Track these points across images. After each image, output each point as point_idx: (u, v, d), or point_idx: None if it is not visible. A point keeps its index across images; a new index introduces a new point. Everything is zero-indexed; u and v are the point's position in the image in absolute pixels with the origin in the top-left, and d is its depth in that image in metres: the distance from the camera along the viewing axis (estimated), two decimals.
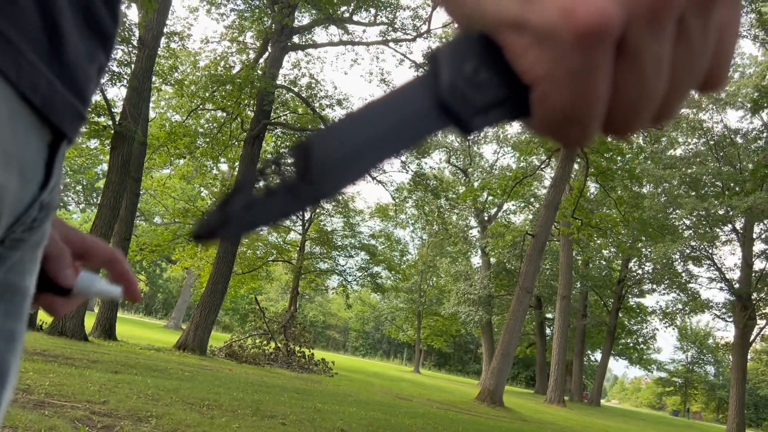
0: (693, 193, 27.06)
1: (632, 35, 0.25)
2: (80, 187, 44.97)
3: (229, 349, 16.83)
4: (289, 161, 0.28)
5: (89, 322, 13.53)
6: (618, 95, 0.27)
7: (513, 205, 34.61)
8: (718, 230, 28.68)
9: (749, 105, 25.79)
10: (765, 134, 27.31)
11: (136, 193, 14.94)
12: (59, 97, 0.40)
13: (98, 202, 13.55)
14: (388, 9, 18.75)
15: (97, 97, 13.95)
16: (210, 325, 16.06)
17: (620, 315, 36.31)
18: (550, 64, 0.26)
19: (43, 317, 13.40)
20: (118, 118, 13.16)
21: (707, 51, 0.28)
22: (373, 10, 18.52)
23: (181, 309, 41.59)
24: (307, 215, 28.92)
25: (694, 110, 28.07)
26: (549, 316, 38.51)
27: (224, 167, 27.24)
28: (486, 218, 37.45)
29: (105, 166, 16.88)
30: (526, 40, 0.26)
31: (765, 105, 24.70)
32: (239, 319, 53.20)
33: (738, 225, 28.30)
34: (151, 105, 15.47)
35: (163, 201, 27.46)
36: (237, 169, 20.72)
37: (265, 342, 18.10)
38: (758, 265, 28.77)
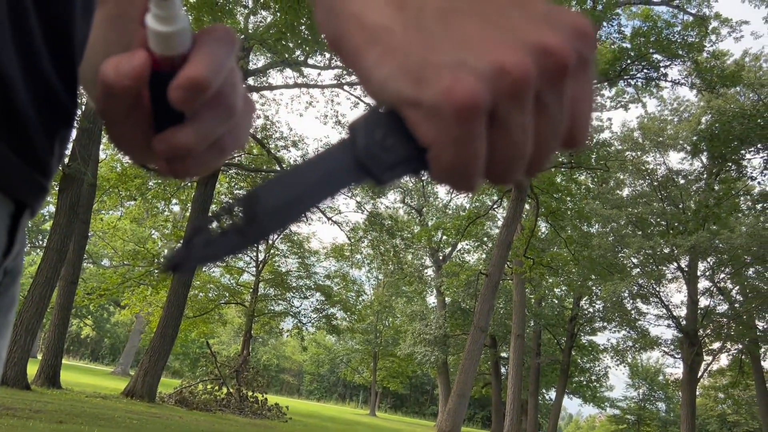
0: (639, 233, 27.86)
1: (499, 109, 0.34)
2: (25, 229, 43.59)
3: (180, 396, 16.35)
4: (239, 208, 0.36)
5: (32, 369, 13.00)
6: (493, 155, 0.36)
7: (467, 244, 34.98)
8: (664, 268, 29.48)
9: (689, 148, 26.94)
10: (705, 175, 28.47)
11: (84, 235, 14.59)
12: (20, 174, 0.44)
13: (44, 244, 13.18)
14: None
15: None
16: (159, 370, 15.61)
17: (573, 353, 36.73)
18: (438, 133, 0.34)
19: None
20: (67, 159, 12.92)
21: (564, 118, 0.36)
22: (327, 54, 18.81)
23: (130, 354, 40.30)
24: (261, 256, 28.66)
25: (638, 152, 29.12)
26: (504, 355, 38.68)
27: (176, 209, 26.87)
28: (441, 257, 37.71)
29: (52, 208, 16.47)
30: (420, 114, 0.34)
31: (704, 148, 25.86)
32: (190, 364, 51.74)
33: (683, 263, 29.17)
34: (101, 146, 15.25)
35: (112, 243, 26.84)
36: (189, 210, 20.46)
37: (216, 387, 17.65)
38: (703, 302, 29.63)
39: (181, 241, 0.37)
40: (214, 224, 0.36)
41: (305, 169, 0.37)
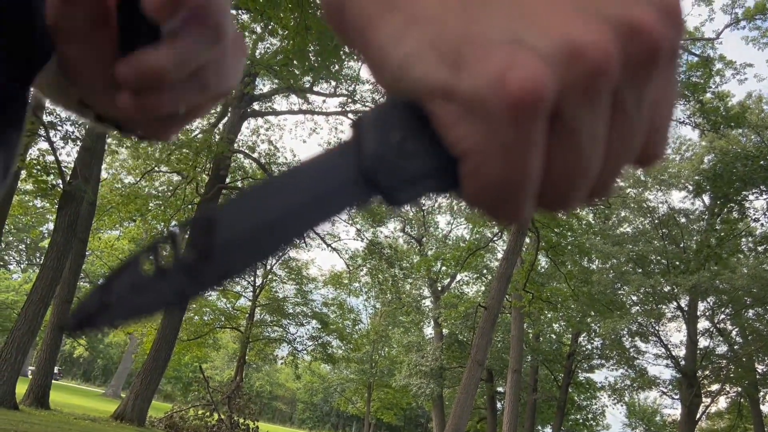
0: (639, 270, 27.73)
1: (567, 107, 0.24)
2: (23, 246, 43.48)
3: (170, 420, 16.08)
4: (188, 236, 0.24)
5: (21, 388, 12.77)
6: (552, 170, 0.25)
7: (466, 276, 34.80)
8: (663, 307, 29.29)
9: (691, 187, 26.97)
10: (707, 215, 28.44)
11: (81, 254, 14.48)
12: None
13: (41, 262, 13.07)
14: (348, 82, 19.18)
15: (49, 158, 13.65)
16: (151, 393, 15.38)
17: (570, 390, 36.31)
18: (480, 137, 0.24)
19: None
20: (68, 177, 12.88)
21: (643, 126, 0.27)
22: (333, 82, 18.90)
23: (122, 376, 39.84)
24: (258, 281, 28.48)
25: (640, 189, 29.15)
26: (500, 389, 38.21)
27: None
28: (439, 288, 37.48)
29: (51, 225, 16.38)
30: (454, 110, 0.24)
31: (707, 188, 25.89)
32: (182, 388, 51.10)
33: (683, 302, 28.98)
34: (104, 165, 15.23)
35: (110, 263, 26.68)
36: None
37: (208, 413, 17.36)
38: (703, 342, 29.37)
39: (96, 286, 0.25)
40: (151, 258, 0.25)
41: (289, 184, 0.25)
